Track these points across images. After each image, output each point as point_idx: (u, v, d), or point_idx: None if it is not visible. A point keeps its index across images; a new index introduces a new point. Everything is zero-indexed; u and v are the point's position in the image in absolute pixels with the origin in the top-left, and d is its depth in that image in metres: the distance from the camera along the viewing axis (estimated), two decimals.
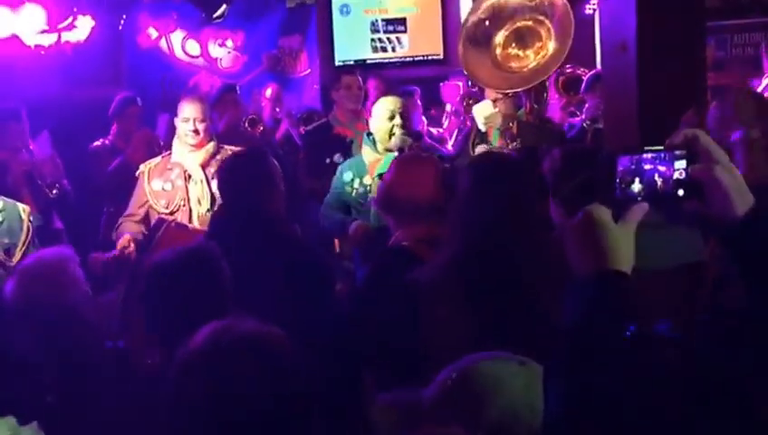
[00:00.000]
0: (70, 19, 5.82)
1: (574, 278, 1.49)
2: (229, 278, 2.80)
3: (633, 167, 1.51)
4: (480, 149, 5.02)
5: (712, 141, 1.46)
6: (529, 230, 2.75)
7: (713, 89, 5.63)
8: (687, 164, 1.48)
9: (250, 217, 3.45)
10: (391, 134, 4.73)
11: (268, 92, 7.51)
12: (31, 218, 4.28)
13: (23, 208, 4.24)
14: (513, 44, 4.97)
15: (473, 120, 5.33)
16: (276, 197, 3.59)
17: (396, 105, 4.79)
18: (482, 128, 5.10)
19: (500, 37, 4.96)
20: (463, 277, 2.70)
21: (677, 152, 1.49)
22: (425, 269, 2.83)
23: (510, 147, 4.95)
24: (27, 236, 4.18)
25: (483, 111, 5.10)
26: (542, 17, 4.91)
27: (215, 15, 5.99)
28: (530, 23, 4.95)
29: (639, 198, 1.50)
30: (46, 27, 5.81)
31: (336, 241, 5.40)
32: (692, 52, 5.08)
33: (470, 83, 7.29)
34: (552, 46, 4.92)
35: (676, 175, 1.49)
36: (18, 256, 4.07)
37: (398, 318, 2.79)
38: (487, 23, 4.95)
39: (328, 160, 5.48)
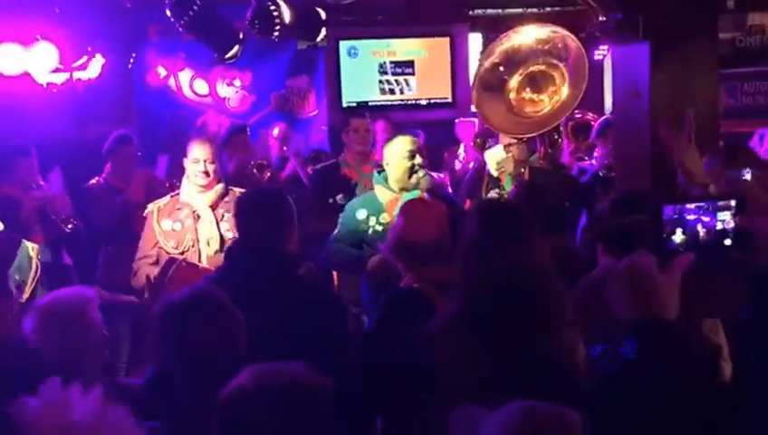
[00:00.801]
0: (84, 58, 5.82)
1: (617, 324, 1.48)
2: (242, 320, 2.77)
3: (676, 216, 1.48)
4: (493, 194, 5.01)
5: (763, 192, 1.43)
6: (535, 272, 2.72)
7: (724, 136, 5.64)
8: (735, 214, 1.45)
9: (266, 254, 3.44)
10: (412, 173, 4.75)
11: (276, 132, 7.51)
12: (39, 256, 4.29)
13: (31, 247, 4.30)
14: (528, 89, 4.98)
15: (485, 163, 5.31)
16: (292, 236, 3.59)
17: (414, 145, 4.83)
18: (494, 173, 5.10)
19: (514, 82, 4.96)
20: (473, 324, 2.68)
21: (721, 203, 1.47)
22: (437, 317, 2.84)
23: None
24: (36, 274, 4.24)
25: (495, 157, 5.11)
26: (555, 61, 4.92)
27: (227, 56, 5.99)
28: (543, 67, 4.97)
29: (683, 249, 1.48)
30: (60, 66, 5.79)
31: (336, 283, 5.42)
32: (705, 99, 5.10)
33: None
34: (566, 90, 4.92)
35: (719, 225, 1.46)
36: (27, 292, 4.15)
37: (410, 365, 2.79)
38: (501, 68, 4.96)
39: (331, 200, 5.53)
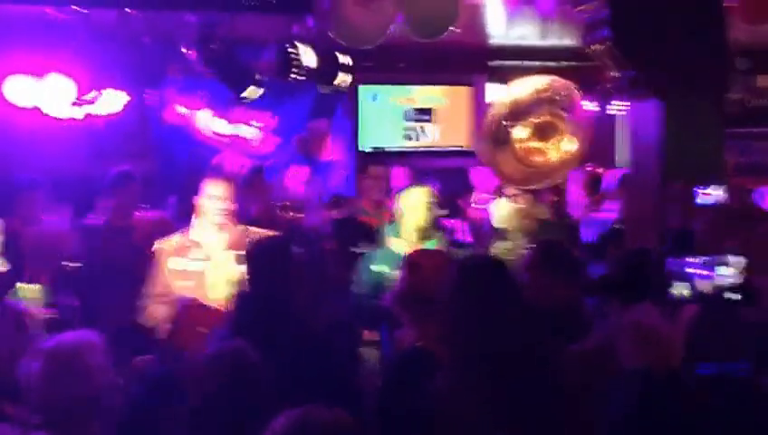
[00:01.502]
0: (93, 93, 5.84)
1: (624, 372, 1.49)
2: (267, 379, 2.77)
3: (678, 269, 1.51)
4: (499, 245, 4.99)
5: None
6: (520, 323, 2.71)
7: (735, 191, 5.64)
8: (741, 270, 1.48)
9: (273, 304, 3.46)
10: (426, 225, 4.77)
11: (296, 174, 7.54)
12: (41, 297, 4.32)
13: (31, 289, 4.29)
14: (534, 139, 5.00)
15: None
16: (301, 286, 3.59)
17: (432, 196, 4.86)
18: (498, 226, 5.07)
19: (520, 132, 4.99)
20: (469, 380, 2.69)
21: (722, 258, 1.50)
22: (438, 376, 2.83)
23: (528, 245, 4.92)
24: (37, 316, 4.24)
25: (500, 210, 5.09)
26: (559, 111, 4.95)
27: (242, 96, 6.06)
28: (548, 117, 4.99)
29: (686, 300, 1.51)
30: (74, 99, 5.82)
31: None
32: (712, 155, 5.12)
33: None
34: (571, 141, 4.94)
35: (720, 280, 1.49)
36: None
37: (416, 426, 2.79)
38: (506, 120, 5.00)
39: (352, 249, 5.52)
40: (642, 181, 5.19)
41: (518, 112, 4.97)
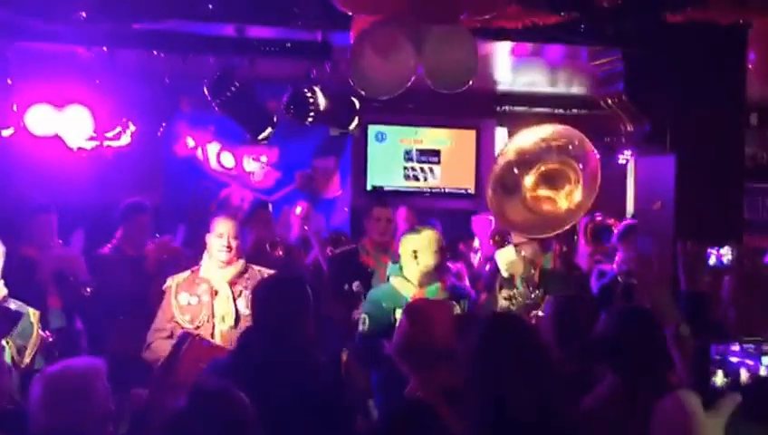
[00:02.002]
0: (118, 129, 5.90)
1: None
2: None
3: (718, 357, 1.49)
4: (504, 294, 4.96)
5: None
6: (543, 384, 2.68)
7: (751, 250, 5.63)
8: None
9: (281, 341, 3.43)
10: (433, 268, 4.72)
11: (298, 210, 7.53)
12: (40, 323, 4.31)
13: (32, 313, 4.30)
14: (543, 186, 5.00)
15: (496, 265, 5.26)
16: (309, 324, 3.57)
17: (438, 240, 4.79)
18: (504, 274, 5.03)
19: (529, 180, 4.99)
20: None
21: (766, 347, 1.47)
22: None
23: (533, 294, 4.90)
24: (36, 341, 4.24)
25: (505, 257, 5.04)
26: (569, 159, 4.95)
27: (260, 137, 6.08)
28: (557, 165, 5.00)
29: (724, 389, 1.48)
30: (93, 134, 5.86)
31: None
32: (728, 212, 5.13)
33: None
34: (580, 190, 4.93)
35: (764, 370, 1.46)
36: (27, 359, 4.12)
37: None
38: (516, 168, 5.00)
39: (346, 287, 5.47)
40: (655, 237, 5.19)
41: (526, 160, 4.97)
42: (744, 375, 1.40)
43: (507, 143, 5.32)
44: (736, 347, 1.40)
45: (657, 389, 2.90)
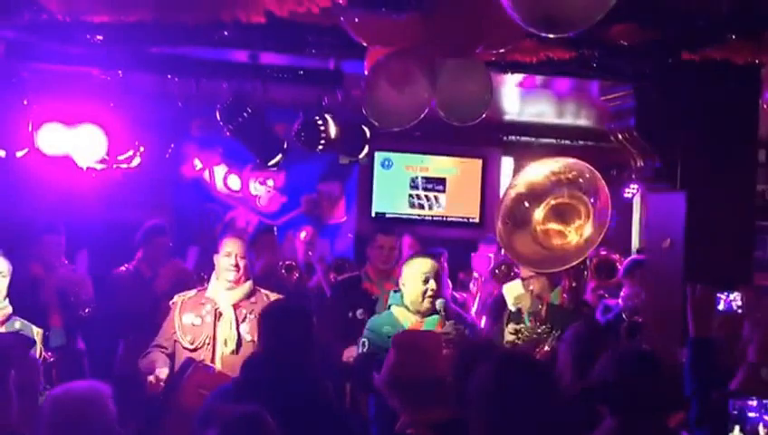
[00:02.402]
0: (131, 152, 5.92)
1: None
2: None
3: (736, 412, 1.47)
4: (511, 327, 4.93)
5: None
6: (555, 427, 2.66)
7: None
8: None
9: (287, 369, 3.42)
10: (425, 297, 4.69)
11: (302, 235, 7.55)
12: (42, 342, 4.31)
13: (37, 331, 4.31)
14: (553, 220, 4.99)
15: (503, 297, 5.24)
16: (314, 352, 3.57)
17: (432, 269, 4.74)
18: (511, 308, 5.01)
19: (539, 213, 4.99)
20: None
21: None
22: None
23: (539, 329, 4.88)
24: (40, 358, 4.23)
25: (512, 292, 5.02)
26: (580, 193, 4.95)
27: (270, 163, 6.10)
28: (567, 199, 4.99)
29: None
30: (105, 157, 5.88)
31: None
32: (738, 249, 5.11)
33: (502, 251, 7.29)
34: (591, 225, 4.92)
35: None
36: None
37: None
38: (526, 202, 5.00)
39: (350, 314, 5.47)
40: (662, 276, 5.17)
41: (537, 194, 4.97)
42: (762, 431, 1.38)
43: (517, 176, 5.31)
44: (754, 402, 1.37)
45: (656, 433, 2.90)
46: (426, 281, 4.69)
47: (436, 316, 4.67)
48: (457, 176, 9.11)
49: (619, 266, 6.74)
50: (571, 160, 5.10)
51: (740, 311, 3.88)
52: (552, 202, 5.01)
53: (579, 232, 4.98)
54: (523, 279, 5.07)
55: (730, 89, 5.04)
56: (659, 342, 4.91)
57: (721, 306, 3.79)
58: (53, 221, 5.69)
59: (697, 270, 4.84)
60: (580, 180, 4.96)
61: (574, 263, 5.04)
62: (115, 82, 5.61)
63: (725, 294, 3.85)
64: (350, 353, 5.18)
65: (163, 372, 4.42)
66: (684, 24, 3.57)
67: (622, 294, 6.34)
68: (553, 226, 5.04)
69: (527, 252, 5.07)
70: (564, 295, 5.18)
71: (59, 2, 3.66)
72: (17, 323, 4.35)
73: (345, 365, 5.33)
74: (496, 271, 6.74)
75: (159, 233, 6.03)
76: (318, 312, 5.96)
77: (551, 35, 2.82)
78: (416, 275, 4.72)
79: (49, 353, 4.61)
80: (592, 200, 4.92)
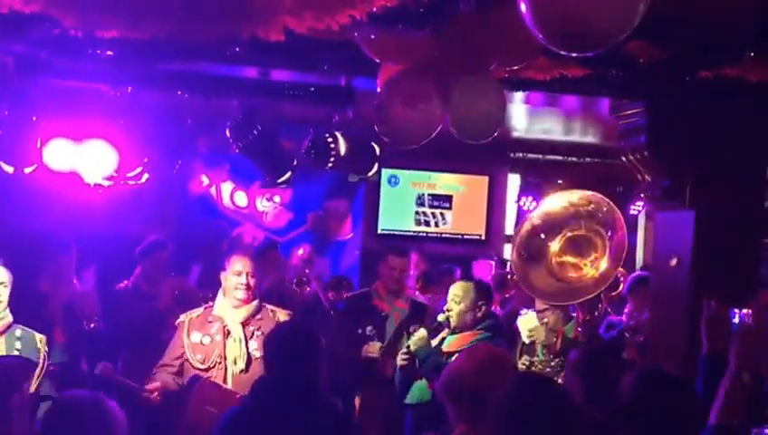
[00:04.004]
0: (139, 169, 5.91)
1: None
2: None
3: None
4: (525, 359, 4.92)
5: None
6: None
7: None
8: None
9: (296, 391, 3.39)
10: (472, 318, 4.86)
11: (300, 252, 7.54)
12: (46, 348, 4.28)
13: (39, 338, 4.28)
14: (569, 253, 4.98)
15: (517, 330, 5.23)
16: (322, 372, 3.54)
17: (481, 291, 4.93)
18: (525, 340, 5.00)
19: (555, 246, 4.97)
20: None
21: None
22: None
23: (553, 362, 4.87)
24: (43, 366, 4.20)
25: (527, 324, 5.00)
26: (598, 227, 4.93)
27: (280, 181, 6.10)
28: (584, 231, 4.98)
29: None
30: (114, 174, 5.88)
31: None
32: (747, 269, 5.10)
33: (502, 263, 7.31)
34: (606, 259, 4.90)
35: None
36: (34, 385, 4.06)
37: None
38: (542, 235, 4.99)
39: (360, 331, 5.49)
40: (668, 294, 5.16)
41: (553, 225, 4.96)
42: None
43: (535, 208, 5.30)
44: None
45: None
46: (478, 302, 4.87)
47: (482, 335, 4.76)
48: (464, 193, 9.11)
49: (622, 281, 6.73)
50: (589, 193, 5.08)
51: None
52: (569, 234, 5.00)
53: (594, 266, 4.95)
54: (537, 312, 5.06)
55: (742, 108, 5.03)
56: (663, 359, 4.89)
57: (736, 320, 3.78)
58: (67, 240, 5.66)
59: (705, 289, 4.82)
60: (599, 214, 4.94)
61: (589, 297, 5.01)
62: (123, 98, 5.61)
63: (739, 309, 3.85)
64: (372, 350, 5.28)
65: (154, 386, 4.39)
66: (699, 40, 3.57)
67: (626, 310, 6.34)
68: (569, 259, 5.02)
69: (542, 285, 5.04)
70: (578, 329, 5.14)
71: (74, 17, 3.65)
72: (18, 331, 4.29)
73: (364, 360, 5.40)
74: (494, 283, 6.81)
75: (159, 249, 5.93)
76: (326, 327, 5.98)
77: (568, 54, 2.83)
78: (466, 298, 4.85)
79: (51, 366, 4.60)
80: (609, 234, 4.90)
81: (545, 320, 4.93)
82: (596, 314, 5.21)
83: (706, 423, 2.79)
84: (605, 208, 4.89)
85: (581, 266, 4.94)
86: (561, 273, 4.95)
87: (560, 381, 4.64)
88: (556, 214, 4.99)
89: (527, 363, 4.87)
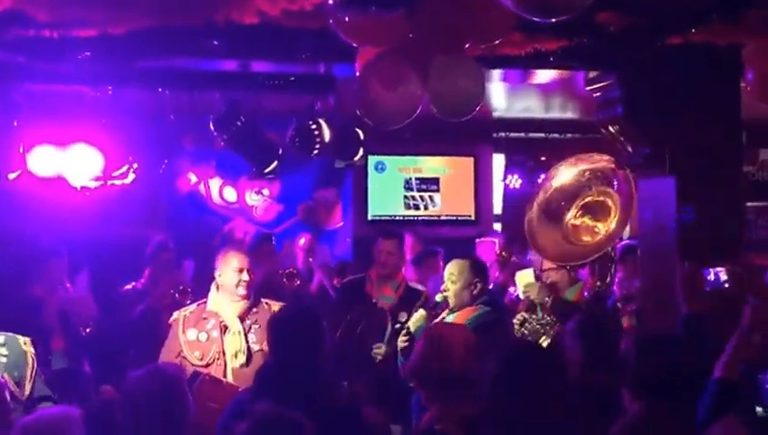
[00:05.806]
0: (125, 168, 5.92)
1: None
2: None
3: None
4: (520, 316, 4.98)
5: None
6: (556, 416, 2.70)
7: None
8: None
9: (300, 375, 3.41)
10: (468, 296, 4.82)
11: (302, 242, 7.56)
12: (33, 349, 4.24)
13: (23, 341, 4.17)
14: (586, 217, 5.06)
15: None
16: (325, 357, 3.58)
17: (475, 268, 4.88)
18: (520, 295, 5.07)
19: (573, 211, 5.05)
20: None
21: None
22: None
23: (543, 320, 4.92)
24: (33, 369, 4.14)
25: (523, 279, 5.08)
26: (606, 187, 5.01)
27: (266, 171, 6.12)
28: (597, 196, 5.07)
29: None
30: (100, 174, 5.89)
31: None
32: (729, 232, 5.18)
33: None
34: (616, 218, 4.99)
35: None
36: (28, 388, 4.03)
37: None
38: (562, 201, 5.06)
39: (349, 317, 5.50)
40: (657, 259, 5.22)
41: (571, 192, 5.05)
42: None
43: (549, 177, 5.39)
44: None
45: (681, 416, 2.91)
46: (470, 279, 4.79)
47: (481, 312, 4.72)
48: (450, 175, 9.13)
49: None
50: (596, 155, 5.19)
51: (726, 285, 3.94)
52: (585, 200, 5.10)
53: (608, 228, 5.05)
54: (542, 270, 5.11)
55: (713, 72, 5.10)
56: (657, 326, 4.96)
57: (711, 277, 3.84)
58: (57, 245, 5.66)
59: (689, 252, 4.90)
60: (600, 173, 5.05)
61: (594, 257, 5.08)
62: (105, 99, 5.61)
63: (712, 269, 3.90)
64: (378, 352, 5.32)
65: None
66: (667, 6, 3.63)
67: (617, 279, 6.37)
68: (586, 222, 5.11)
69: (549, 244, 5.12)
70: (585, 293, 5.19)
71: (47, 12, 3.65)
72: (1, 338, 4.29)
73: (373, 361, 5.40)
74: (500, 256, 6.86)
75: (163, 249, 6.05)
76: (324, 315, 5.99)
77: (536, 18, 2.86)
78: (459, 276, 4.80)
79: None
80: (618, 188, 5.00)
81: (548, 278, 4.99)
82: (607, 280, 5.25)
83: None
84: (605, 169, 5.00)
85: (596, 231, 5.03)
86: (574, 234, 5.04)
87: (548, 340, 4.73)
88: (566, 186, 5.07)
89: (521, 319, 4.93)
